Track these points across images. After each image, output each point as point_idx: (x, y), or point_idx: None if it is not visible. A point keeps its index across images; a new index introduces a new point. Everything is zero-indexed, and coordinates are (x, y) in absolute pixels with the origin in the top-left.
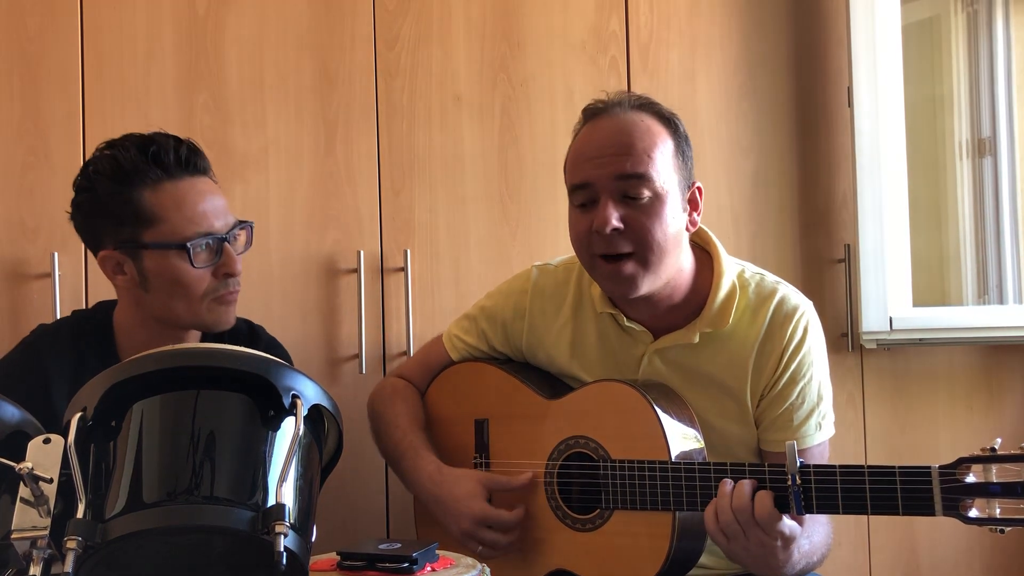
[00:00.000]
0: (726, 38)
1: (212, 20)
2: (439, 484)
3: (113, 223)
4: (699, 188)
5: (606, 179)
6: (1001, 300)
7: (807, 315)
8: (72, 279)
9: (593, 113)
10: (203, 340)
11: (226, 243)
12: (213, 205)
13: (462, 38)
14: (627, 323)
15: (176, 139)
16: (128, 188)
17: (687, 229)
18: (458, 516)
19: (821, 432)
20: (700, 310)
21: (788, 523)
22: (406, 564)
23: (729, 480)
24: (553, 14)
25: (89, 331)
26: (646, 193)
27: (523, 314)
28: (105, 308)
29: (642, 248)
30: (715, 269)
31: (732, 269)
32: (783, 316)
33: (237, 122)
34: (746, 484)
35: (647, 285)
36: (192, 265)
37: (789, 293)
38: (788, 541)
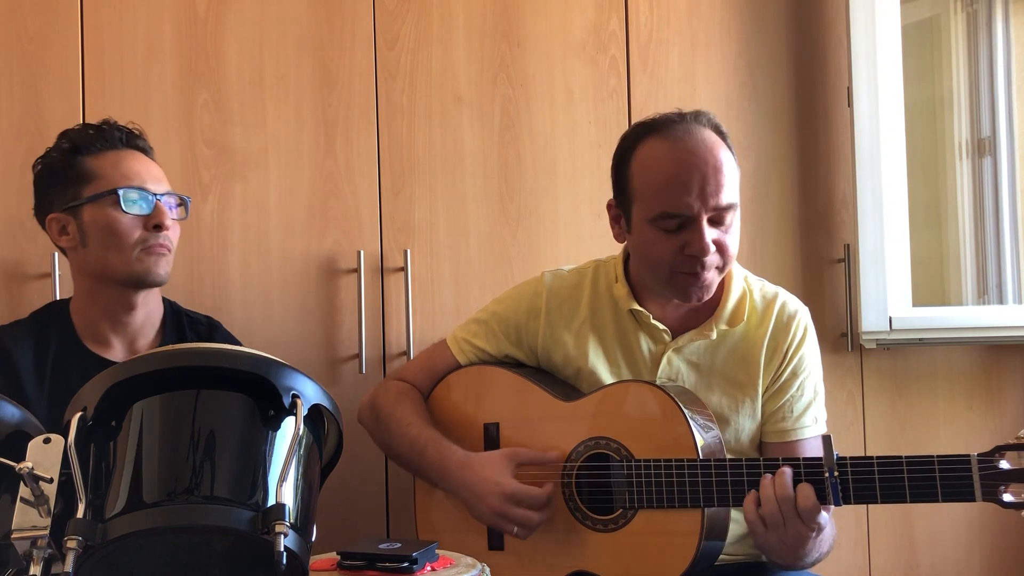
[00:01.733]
0: (726, 38)
1: (212, 20)
2: (468, 467)
3: (60, 187)
4: None
5: (705, 210)
6: (1001, 300)
7: (805, 318)
8: (71, 279)
9: (663, 125)
10: (179, 332)
11: (158, 200)
12: (148, 170)
13: (462, 38)
14: (652, 321)
15: (121, 124)
16: (74, 156)
17: None
18: (487, 495)
19: (817, 426)
20: (714, 310)
21: (824, 514)
22: (406, 564)
23: (768, 474)
24: (553, 14)
25: (47, 320)
26: (731, 216)
27: (538, 314)
28: (61, 301)
29: (723, 261)
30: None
31: (740, 272)
32: (787, 317)
33: (237, 122)
34: (787, 473)
35: (714, 290)
36: (123, 211)
37: (788, 298)
38: (820, 530)
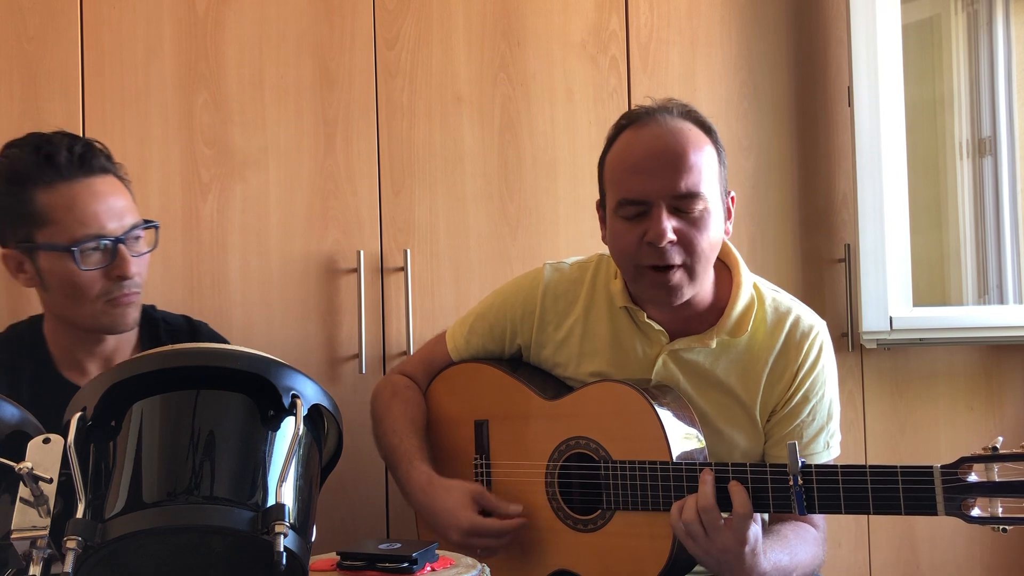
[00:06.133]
0: (726, 38)
1: (212, 20)
2: (429, 495)
3: (10, 222)
4: (733, 197)
5: (661, 194)
6: (1001, 300)
7: (821, 335)
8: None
9: (636, 118)
10: (155, 344)
11: (121, 245)
12: (107, 206)
13: (462, 38)
14: (646, 319)
15: (73, 138)
16: (22, 188)
17: (722, 238)
18: (447, 528)
19: (829, 451)
20: (718, 319)
21: (755, 528)
22: (406, 564)
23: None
24: (553, 14)
25: (22, 344)
26: (699, 207)
27: (533, 310)
28: (37, 319)
29: (691, 259)
30: (734, 279)
31: (749, 280)
32: (800, 334)
33: (237, 122)
34: (708, 482)
35: (689, 293)
36: (80, 267)
37: (804, 313)
38: (751, 543)
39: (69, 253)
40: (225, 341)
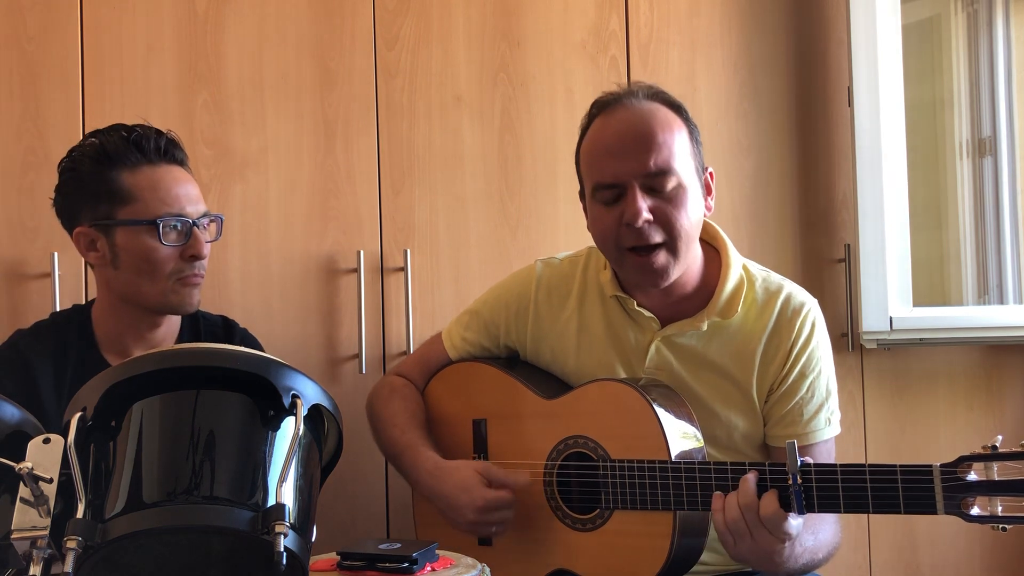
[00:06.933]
0: (726, 38)
1: (212, 20)
2: (438, 478)
3: (91, 201)
4: (711, 173)
5: (633, 175)
6: (1001, 300)
7: (813, 311)
8: (72, 279)
9: (605, 105)
10: (195, 339)
11: (195, 227)
12: (186, 191)
13: (462, 38)
14: (636, 307)
15: (159, 131)
16: (108, 169)
17: (704, 214)
18: (461, 507)
19: (831, 427)
20: (707, 301)
21: (793, 521)
22: (406, 564)
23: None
24: (553, 14)
25: (68, 327)
26: (672, 184)
27: (528, 305)
28: (82, 306)
29: (672, 237)
30: (723, 260)
31: (738, 261)
32: (791, 312)
33: (237, 122)
34: (751, 479)
35: (675, 273)
36: (161, 242)
37: (795, 290)
38: (793, 538)
39: (153, 226)
40: (259, 344)
